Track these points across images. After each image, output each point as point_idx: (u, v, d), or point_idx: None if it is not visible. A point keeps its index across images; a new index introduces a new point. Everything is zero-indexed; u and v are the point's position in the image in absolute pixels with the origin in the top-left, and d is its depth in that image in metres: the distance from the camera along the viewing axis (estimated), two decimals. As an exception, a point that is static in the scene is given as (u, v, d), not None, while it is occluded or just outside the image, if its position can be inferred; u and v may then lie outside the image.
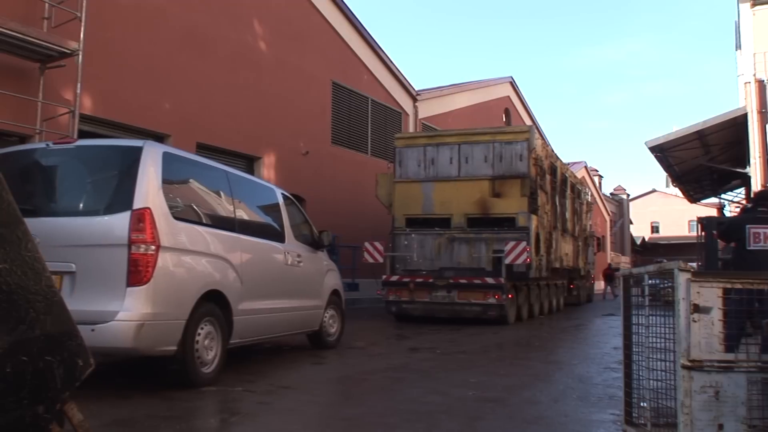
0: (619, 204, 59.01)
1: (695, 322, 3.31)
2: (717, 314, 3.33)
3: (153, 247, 5.04)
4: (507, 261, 12.65)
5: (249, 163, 15.97)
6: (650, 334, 3.64)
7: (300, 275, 7.62)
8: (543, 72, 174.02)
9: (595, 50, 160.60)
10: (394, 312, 13.70)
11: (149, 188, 5.19)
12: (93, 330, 4.70)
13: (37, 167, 5.84)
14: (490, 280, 12.72)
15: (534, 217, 13.42)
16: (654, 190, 70.57)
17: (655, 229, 69.50)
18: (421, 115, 24.06)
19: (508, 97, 32.26)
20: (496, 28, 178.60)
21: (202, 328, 5.58)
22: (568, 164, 19.99)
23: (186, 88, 13.85)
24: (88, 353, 2.87)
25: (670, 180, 27.70)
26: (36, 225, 5.04)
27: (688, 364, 3.27)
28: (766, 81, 17.38)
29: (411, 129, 23.39)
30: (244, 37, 15.71)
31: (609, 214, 52.48)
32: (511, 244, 12.68)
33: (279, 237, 7.31)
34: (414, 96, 23.66)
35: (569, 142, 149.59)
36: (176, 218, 5.41)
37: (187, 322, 5.35)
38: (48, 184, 5.84)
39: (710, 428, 3.27)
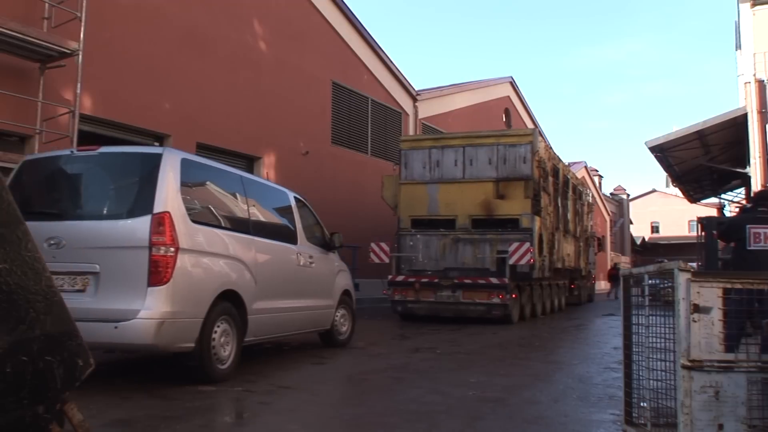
0: (619, 204, 59.02)
1: (695, 322, 3.31)
2: (717, 314, 3.33)
3: (172, 249, 5.29)
4: (511, 261, 12.87)
5: (249, 163, 15.97)
6: (650, 334, 3.64)
7: (312, 276, 7.83)
8: (543, 72, 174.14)
9: (595, 50, 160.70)
10: (400, 311, 13.90)
11: (169, 193, 5.44)
12: (116, 327, 5.07)
13: (62, 173, 6.14)
14: (494, 280, 12.91)
15: (537, 219, 13.61)
16: (654, 190, 70.58)
17: (655, 229, 69.51)
18: (421, 115, 24.06)
19: (508, 97, 32.27)
20: (496, 29, 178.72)
21: (218, 326, 5.79)
22: (568, 164, 20.04)
23: (186, 88, 13.85)
24: (88, 353, 2.87)
25: (670, 180, 27.70)
26: (62, 228, 5.45)
27: (688, 364, 3.27)
28: (766, 81, 17.39)
29: (411, 129, 23.39)
30: (244, 37, 15.72)
31: (609, 214, 52.49)
32: (515, 245, 12.90)
33: (291, 239, 7.53)
34: (414, 96, 23.67)
35: (569, 142, 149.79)
36: (194, 221, 5.65)
37: (205, 321, 5.58)
38: (73, 189, 6.11)
39: (710, 428, 3.27)
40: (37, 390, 2.58)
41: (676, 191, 36.02)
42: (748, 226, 6.17)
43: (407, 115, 23.43)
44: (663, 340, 3.56)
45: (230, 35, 15.20)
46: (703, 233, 9.86)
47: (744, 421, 3.30)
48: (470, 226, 13.71)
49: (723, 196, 26.05)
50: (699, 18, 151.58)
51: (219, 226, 6.10)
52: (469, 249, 13.62)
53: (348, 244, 17.06)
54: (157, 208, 5.33)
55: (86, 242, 5.33)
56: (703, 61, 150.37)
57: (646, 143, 19.41)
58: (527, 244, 12.91)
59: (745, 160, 18.50)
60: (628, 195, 62.18)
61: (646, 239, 64.73)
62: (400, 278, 13.78)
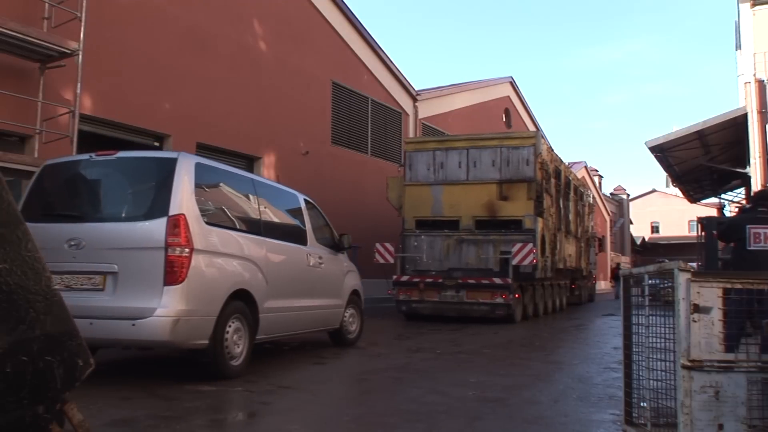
0: (619, 204, 59.01)
1: (695, 322, 3.31)
2: (717, 314, 3.33)
3: (187, 250, 5.50)
4: (514, 262, 13.06)
5: (249, 163, 15.97)
6: (650, 334, 3.64)
7: (321, 276, 8.03)
8: (543, 73, 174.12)
9: (595, 50, 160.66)
10: (405, 311, 14.13)
11: (183, 196, 5.66)
12: (134, 325, 5.31)
13: (81, 177, 6.40)
14: (497, 281, 13.12)
15: (540, 220, 13.78)
16: (654, 190, 70.58)
17: (655, 229, 69.50)
18: (421, 115, 24.06)
19: (508, 97, 32.26)
20: (496, 29, 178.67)
21: (231, 324, 5.99)
22: (569, 164, 20.10)
23: (186, 88, 13.85)
24: (88, 353, 2.87)
25: (670, 180, 27.69)
26: (82, 230, 5.71)
27: (688, 364, 3.27)
28: (766, 81, 17.38)
29: (411, 129, 23.39)
30: (244, 37, 15.71)
31: (609, 214, 52.48)
32: (518, 245, 13.11)
33: (301, 240, 7.74)
34: (414, 96, 23.66)
35: (569, 142, 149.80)
36: (208, 223, 5.87)
37: (218, 319, 5.78)
38: (92, 193, 6.37)
39: (710, 428, 3.27)
40: (37, 390, 2.58)
41: (676, 191, 36.02)
42: (748, 226, 6.17)
43: (407, 115, 23.42)
44: (663, 340, 3.56)
45: (230, 35, 15.20)
46: (703, 233, 9.86)
47: (744, 421, 3.30)
48: (474, 227, 13.91)
49: (723, 196, 26.04)
50: (699, 18, 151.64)
51: (232, 228, 6.32)
52: (473, 250, 13.81)
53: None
54: (173, 210, 5.53)
55: (105, 243, 5.56)
56: (703, 61, 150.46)
57: (646, 143, 19.41)
58: (530, 245, 13.10)
59: (745, 160, 18.50)
60: (628, 195, 62.18)
61: (646, 239, 64.73)
62: (404, 278, 14.01)
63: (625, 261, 53.04)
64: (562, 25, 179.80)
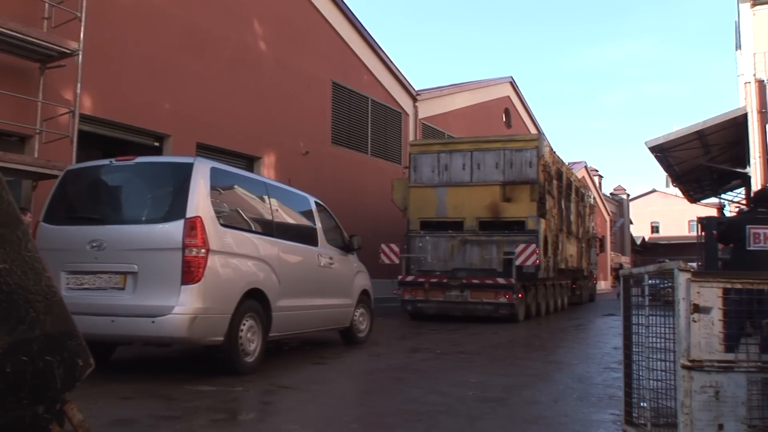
0: (619, 204, 59.01)
1: (695, 322, 3.30)
2: (717, 314, 3.33)
3: (203, 251, 5.74)
4: (517, 262, 13.33)
5: (249, 163, 15.97)
6: (650, 334, 3.64)
7: (332, 276, 8.27)
8: (543, 73, 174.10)
9: (595, 50, 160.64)
10: (410, 311, 14.38)
11: (199, 199, 5.91)
12: (153, 322, 5.56)
13: (102, 181, 6.73)
14: (501, 281, 13.36)
15: (542, 221, 14.03)
16: (654, 190, 70.57)
17: (655, 229, 69.50)
18: (421, 115, 24.06)
19: (508, 97, 32.25)
20: (496, 30, 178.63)
21: (245, 322, 6.23)
22: (569, 164, 20.16)
23: (186, 88, 13.85)
24: (88, 353, 2.87)
25: (670, 180, 27.68)
26: (103, 232, 5.98)
27: (688, 364, 3.27)
28: (766, 81, 17.37)
29: (411, 129, 23.39)
30: (244, 37, 15.71)
31: (609, 214, 52.48)
32: (521, 246, 13.37)
33: (312, 241, 7.98)
34: (414, 96, 23.65)
35: (569, 142, 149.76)
36: (223, 225, 6.12)
37: (233, 316, 6.01)
38: (112, 196, 6.68)
39: (710, 428, 3.27)
40: (37, 390, 2.58)
41: (676, 191, 36.00)
42: (748, 226, 6.17)
43: (407, 115, 23.42)
44: (663, 340, 3.55)
45: (230, 35, 15.20)
46: (703, 233, 9.86)
47: (744, 421, 3.30)
48: (478, 228, 14.17)
49: (723, 196, 26.02)
50: (699, 18, 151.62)
51: (246, 229, 6.58)
52: (477, 250, 14.05)
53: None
54: (190, 213, 5.78)
55: (125, 244, 5.82)
56: (703, 61, 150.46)
57: (646, 143, 19.40)
58: (533, 246, 13.36)
59: (745, 160, 18.48)
60: (628, 195, 62.19)
61: (646, 239, 64.73)
62: (410, 278, 14.27)
63: (625, 261, 53.05)
64: (562, 25, 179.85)
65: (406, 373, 6.95)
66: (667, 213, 66.96)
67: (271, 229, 7.02)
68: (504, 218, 14.03)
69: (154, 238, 5.83)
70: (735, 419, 3.29)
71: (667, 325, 3.55)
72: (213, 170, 6.26)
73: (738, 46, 22.34)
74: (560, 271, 16.78)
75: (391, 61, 22.20)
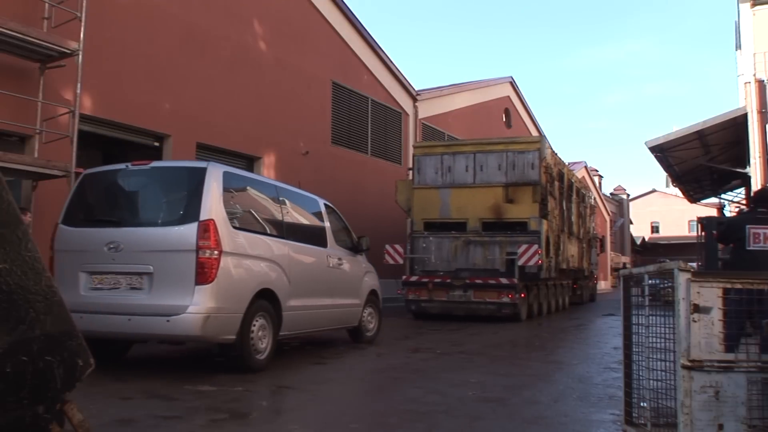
0: (619, 204, 59.00)
1: (695, 322, 3.30)
2: (717, 314, 3.33)
3: (216, 252, 5.96)
4: (520, 263, 13.54)
5: (249, 163, 15.96)
6: (650, 334, 3.64)
7: (341, 276, 8.50)
8: (543, 73, 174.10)
9: (595, 50, 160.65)
10: (414, 310, 14.61)
11: (213, 202, 6.13)
12: (168, 321, 5.77)
13: (118, 185, 6.94)
14: (504, 281, 13.57)
15: (544, 222, 14.20)
16: (654, 190, 70.56)
17: (655, 229, 69.49)
18: (421, 115, 24.05)
19: (508, 97, 32.24)
20: (496, 30, 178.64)
21: (256, 321, 6.45)
22: (569, 164, 20.20)
23: (186, 88, 13.84)
24: (88, 353, 2.87)
25: (670, 180, 27.66)
26: (120, 234, 6.21)
27: (688, 364, 3.27)
28: (766, 81, 17.36)
29: (411, 129, 23.38)
30: (244, 37, 15.71)
31: (609, 214, 52.46)
32: (524, 246, 13.60)
33: (322, 242, 8.21)
34: (414, 96, 23.64)
35: (569, 142, 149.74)
36: (235, 227, 6.34)
37: (245, 315, 6.23)
38: (129, 200, 6.92)
39: (710, 428, 3.27)
40: (37, 390, 2.58)
41: (676, 191, 35.98)
42: (748, 226, 6.17)
43: (407, 115, 23.41)
44: (663, 340, 3.56)
45: (230, 35, 15.19)
46: (703, 233, 9.86)
47: (744, 421, 3.30)
48: (481, 228, 14.37)
49: (723, 196, 26.01)
50: (699, 18, 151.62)
51: (257, 231, 6.80)
52: (480, 251, 14.26)
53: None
54: (203, 216, 6.00)
55: (141, 246, 6.05)
56: (703, 61, 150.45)
57: (646, 143, 19.39)
58: (535, 246, 13.56)
59: (745, 160, 18.48)
60: (628, 195, 62.17)
61: (646, 239, 64.72)
62: (414, 278, 14.48)
63: (625, 261, 53.06)
64: (562, 26, 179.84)
65: (406, 373, 6.95)
66: (667, 213, 66.95)
67: (282, 230, 7.24)
68: (506, 219, 14.22)
69: (169, 240, 6.04)
70: (735, 419, 3.29)
71: (667, 325, 3.55)
72: (225, 174, 6.50)
73: (738, 46, 22.33)
74: (562, 271, 16.96)
75: (391, 61, 22.19)
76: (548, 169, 14.68)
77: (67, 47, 10.39)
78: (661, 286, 3.88)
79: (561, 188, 16.48)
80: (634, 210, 65.01)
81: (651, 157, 21.18)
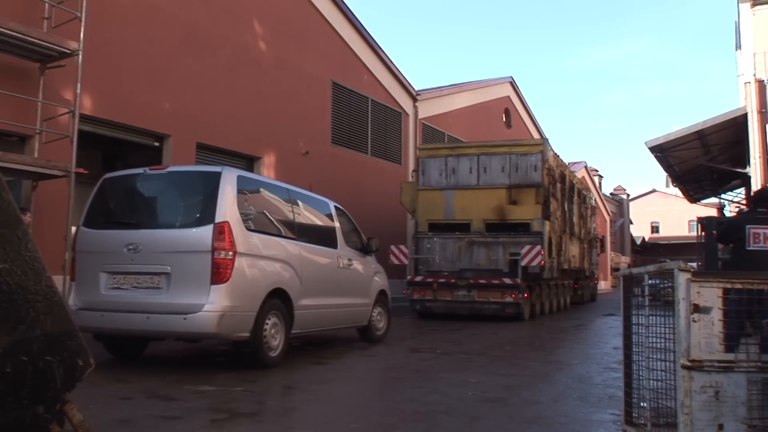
0: (619, 204, 59.00)
1: (695, 322, 3.30)
2: (717, 314, 3.33)
3: (231, 253, 6.18)
4: (523, 263, 13.76)
5: (249, 163, 15.96)
6: (650, 334, 3.64)
7: (350, 276, 8.71)
8: (543, 73, 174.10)
9: (595, 50, 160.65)
10: (419, 310, 14.81)
11: (227, 205, 6.35)
12: (185, 318, 6.00)
13: (137, 189, 7.23)
14: (507, 281, 13.80)
15: (547, 223, 14.44)
16: (654, 190, 70.55)
17: (655, 229, 69.49)
18: (421, 115, 24.05)
19: (508, 97, 32.24)
20: (496, 30, 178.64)
21: (269, 319, 6.67)
22: (569, 164, 20.26)
23: (186, 88, 13.84)
24: (88, 353, 2.87)
25: (670, 180, 27.66)
26: (139, 236, 6.44)
27: (688, 364, 3.27)
28: (766, 81, 17.36)
29: (411, 129, 23.38)
30: (244, 37, 15.71)
31: (609, 214, 52.46)
32: (527, 247, 13.82)
33: (332, 243, 8.41)
34: (414, 96, 23.64)
35: (569, 142, 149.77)
36: (249, 229, 6.55)
37: (258, 314, 6.45)
38: (147, 203, 7.17)
39: (710, 428, 3.27)
40: (37, 390, 2.58)
41: (676, 191, 35.98)
42: (747, 226, 6.17)
43: (407, 115, 23.41)
44: (663, 340, 3.55)
45: (230, 35, 15.19)
46: (703, 233, 9.86)
47: (744, 421, 3.30)
48: (484, 229, 14.61)
49: (723, 196, 26.01)
50: (699, 18, 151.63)
51: (270, 233, 7.00)
52: (484, 251, 14.49)
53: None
54: (218, 218, 6.23)
55: (159, 247, 6.29)
56: (703, 61, 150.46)
57: (646, 143, 19.40)
58: (538, 247, 13.77)
59: (745, 160, 18.47)
60: (628, 195, 62.17)
61: (646, 239, 64.71)
62: (418, 279, 14.70)
63: (625, 261, 53.06)
64: (562, 26, 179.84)
65: (406, 373, 6.96)
66: (667, 213, 66.95)
67: (294, 232, 7.48)
68: (510, 220, 14.43)
69: (186, 242, 6.27)
70: (735, 419, 3.29)
71: (667, 325, 3.55)
72: (240, 178, 6.72)
73: (738, 46, 22.33)
74: (563, 271, 17.17)
75: (391, 61, 22.19)
76: (551, 171, 14.89)
77: (67, 47, 10.39)
78: (661, 286, 3.88)
79: (563, 190, 16.68)
80: (634, 210, 65.01)
81: (651, 157, 21.19)
